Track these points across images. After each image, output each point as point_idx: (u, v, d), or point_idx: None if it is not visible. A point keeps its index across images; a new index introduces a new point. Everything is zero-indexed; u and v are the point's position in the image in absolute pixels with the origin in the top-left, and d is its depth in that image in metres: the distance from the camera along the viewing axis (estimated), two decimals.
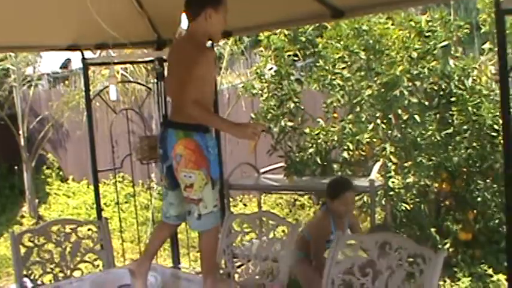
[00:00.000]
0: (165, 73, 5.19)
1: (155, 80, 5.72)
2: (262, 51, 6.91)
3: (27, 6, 4.33)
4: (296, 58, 6.73)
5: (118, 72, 8.54)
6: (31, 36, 4.98)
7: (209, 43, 3.99)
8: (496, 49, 5.99)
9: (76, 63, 13.20)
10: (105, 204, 9.74)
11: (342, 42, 6.22)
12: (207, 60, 3.31)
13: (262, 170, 6.82)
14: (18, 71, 10.63)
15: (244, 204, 9.53)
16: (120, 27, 4.71)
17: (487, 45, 6.61)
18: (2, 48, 6.11)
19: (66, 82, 11.76)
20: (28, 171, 10.72)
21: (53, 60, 12.93)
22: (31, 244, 4.03)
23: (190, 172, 3.28)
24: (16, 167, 11.32)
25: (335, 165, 6.74)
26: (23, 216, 10.70)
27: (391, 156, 6.06)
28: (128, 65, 8.60)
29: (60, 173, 12.03)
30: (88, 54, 5.75)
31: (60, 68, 14.44)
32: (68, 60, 14.23)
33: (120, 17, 4.82)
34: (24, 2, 4.27)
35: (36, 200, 10.82)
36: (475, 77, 6.32)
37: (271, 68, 6.65)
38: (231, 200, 7.71)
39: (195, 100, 3.23)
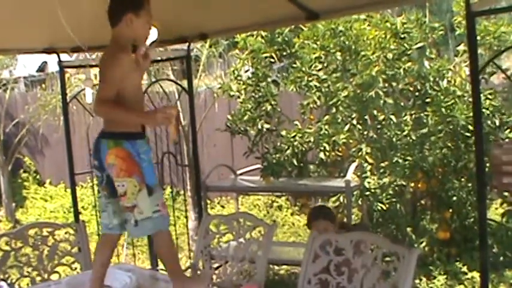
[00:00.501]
0: None
1: None
2: (238, 53, 6.94)
3: (2, 8, 4.30)
4: (273, 60, 6.75)
5: (96, 76, 8.50)
6: (6, 39, 4.93)
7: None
8: None
9: (52, 66, 13.14)
10: (82, 207, 9.68)
11: (318, 43, 6.27)
12: (119, 62, 3.20)
13: (239, 172, 6.85)
14: None
15: (222, 206, 9.54)
16: (92, 29, 4.70)
17: (461, 47, 6.68)
18: None
19: (43, 85, 11.66)
20: (4, 175, 10.64)
21: (29, 63, 12.84)
22: (8, 248, 4.00)
23: (122, 181, 3.23)
24: None
25: (311, 166, 6.79)
26: None
27: (367, 157, 6.13)
28: None
29: (37, 176, 11.94)
30: (64, 57, 5.72)
31: (37, 71, 14.35)
32: (45, 63, 14.15)
33: (92, 19, 4.80)
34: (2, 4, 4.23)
35: (13, 204, 10.73)
36: (449, 78, 6.40)
37: (247, 70, 6.68)
38: (208, 201, 7.73)
39: (101, 100, 3.18)
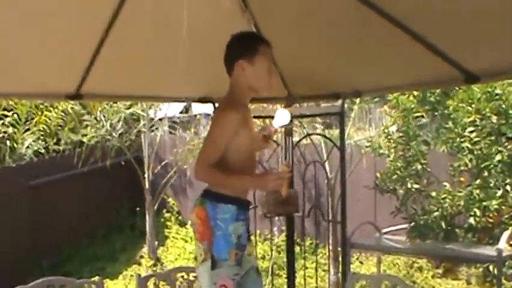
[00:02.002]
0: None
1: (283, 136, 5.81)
2: (388, 110, 6.90)
3: (161, 56, 4.51)
4: (424, 119, 6.66)
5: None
6: (163, 87, 5.16)
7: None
8: None
9: (196, 109, 13.58)
10: None
11: (473, 106, 6.12)
12: (228, 120, 3.00)
13: (384, 230, 6.74)
14: (146, 116, 11.10)
15: (361, 262, 9.40)
16: None
17: None
18: (135, 98, 6.39)
19: (191, 130, 12.08)
20: (150, 214, 11.06)
21: (173, 103, 13.28)
22: None
23: (198, 243, 3.06)
24: (138, 209, 11.71)
25: (459, 231, 6.57)
26: (142, 257, 11.01)
27: None
28: None
29: (180, 217, 12.35)
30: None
31: (181, 112, 14.87)
32: (189, 105, 14.61)
33: None
34: (157, 53, 4.45)
35: (156, 242, 11.13)
36: None
37: (398, 129, 6.62)
38: None
39: (203, 164, 2.96)
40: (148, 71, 4.60)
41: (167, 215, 12.36)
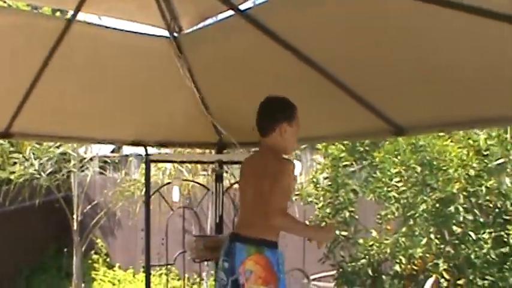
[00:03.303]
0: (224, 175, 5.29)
1: (213, 180, 5.84)
2: (317, 158, 7.03)
3: (92, 98, 4.50)
4: (352, 168, 6.81)
5: (174, 167, 8.73)
6: (95, 129, 5.14)
7: None
8: None
9: (128, 149, 13.44)
10: None
11: (399, 157, 6.30)
12: (290, 172, 3.35)
13: (312, 277, 6.81)
14: (76, 156, 10.95)
15: None
16: (183, 127, 4.87)
17: None
18: (66, 139, 6.32)
19: (122, 171, 11.98)
20: (77, 255, 10.84)
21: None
22: None
23: (259, 286, 3.28)
24: (65, 249, 11.47)
25: (385, 278, 6.69)
26: None
27: (444, 273, 6.02)
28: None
29: (108, 259, 12.13)
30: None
31: (111, 152, 14.71)
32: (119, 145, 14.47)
33: (183, 117, 4.99)
34: (89, 95, 4.43)
35: (82, 285, 10.89)
36: None
37: (326, 178, 6.74)
38: None
39: (282, 211, 3.26)
40: (80, 113, 4.58)
41: (95, 256, 12.13)
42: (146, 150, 5.65)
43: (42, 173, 10.47)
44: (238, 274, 3.37)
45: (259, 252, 3.31)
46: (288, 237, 8.37)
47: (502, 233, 6.22)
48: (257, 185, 3.41)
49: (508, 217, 6.22)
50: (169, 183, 5.74)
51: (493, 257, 6.11)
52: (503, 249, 6.13)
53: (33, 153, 10.42)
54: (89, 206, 11.42)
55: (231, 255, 3.42)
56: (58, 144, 10.48)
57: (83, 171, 11.47)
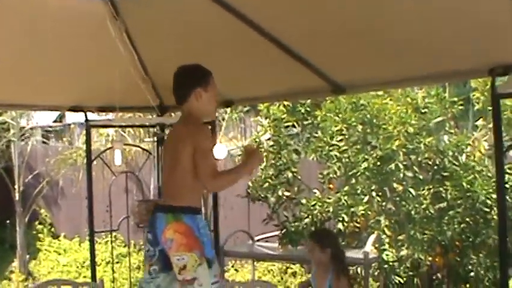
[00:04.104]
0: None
1: (155, 144, 5.81)
2: (259, 120, 7.04)
3: (30, 64, 4.41)
4: (294, 129, 6.85)
5: (117, 133, 8.64)
6: (33, 95, 5.04)
7: None
8: (490, 126, 6.18)
9: (71, 117, 13.25)
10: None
11: (340, 116, 6.36)
12: (209, 134, 3.46)
13: (256, 238, 6.87)
14: (16, 125, 10.73)
15: (236, 270, 9.50)
16: (123, 91, 4.80)
17: (480, 122, 6.74)
18: (3, 106, 6.18)
19: (63, 139, 11.81)
20: (21, 227, 10.69)
21: (46, 112, 12.92)
22: None
23: (182, 254, 3.30)
24: (8, 221, 11.28)
25: None
26: (12, 272, 10.59)
27: (385, 229, 6.14)
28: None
29: (52, 229, 11.96)
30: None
31: (54, 121, 14.48)
32: (62, 114, 14.25)
33: (123, 81, 4.91)
34: (26, 60, 4.34)
35: (27, 256, 10.76)
36: (468, 153, 6.43)
37: (269, 138, 6.77)
38: None
39: (213, 173, 3.29)
40: (18, 78, 4.48)
41: (39, 227, 11.93)
42: (86, 115, 5.57)
43: None
44: (162, 244, 3.38)
45: (177, 220, 3.33)
46: (232, 200, 8.46)
47: (441, 189, 6.37)
48: (173, 153, 3.43)
49: (446, 173, 6.36)
50: (111, 147, 5.68)
51: (432, 212, 6.26)
52: (441, 205, 6.29)
53: None
54: (31, 176, 11.23)
55: (153, 226, 3.41)
56: None
57: (23, 140, 11.24)
